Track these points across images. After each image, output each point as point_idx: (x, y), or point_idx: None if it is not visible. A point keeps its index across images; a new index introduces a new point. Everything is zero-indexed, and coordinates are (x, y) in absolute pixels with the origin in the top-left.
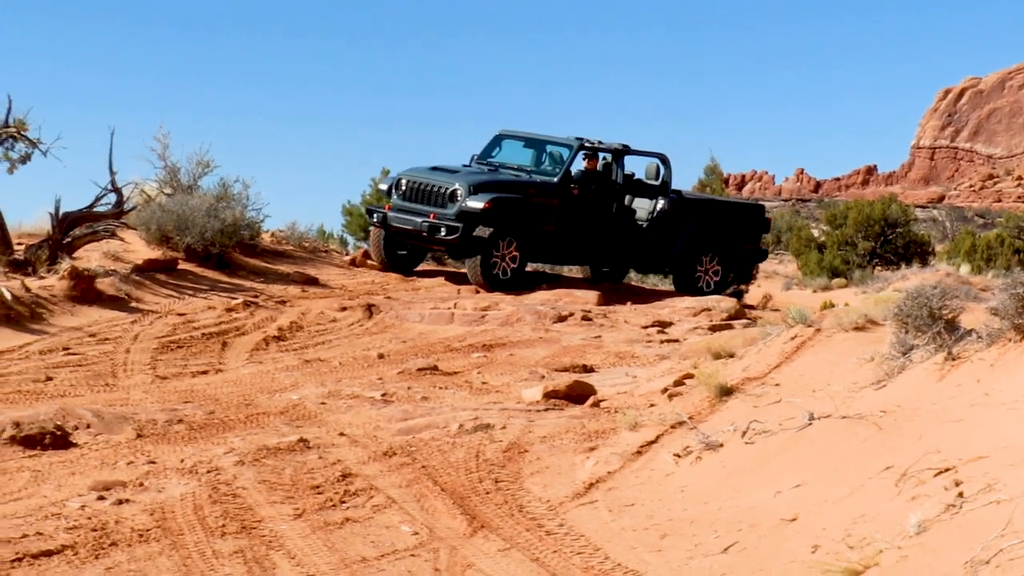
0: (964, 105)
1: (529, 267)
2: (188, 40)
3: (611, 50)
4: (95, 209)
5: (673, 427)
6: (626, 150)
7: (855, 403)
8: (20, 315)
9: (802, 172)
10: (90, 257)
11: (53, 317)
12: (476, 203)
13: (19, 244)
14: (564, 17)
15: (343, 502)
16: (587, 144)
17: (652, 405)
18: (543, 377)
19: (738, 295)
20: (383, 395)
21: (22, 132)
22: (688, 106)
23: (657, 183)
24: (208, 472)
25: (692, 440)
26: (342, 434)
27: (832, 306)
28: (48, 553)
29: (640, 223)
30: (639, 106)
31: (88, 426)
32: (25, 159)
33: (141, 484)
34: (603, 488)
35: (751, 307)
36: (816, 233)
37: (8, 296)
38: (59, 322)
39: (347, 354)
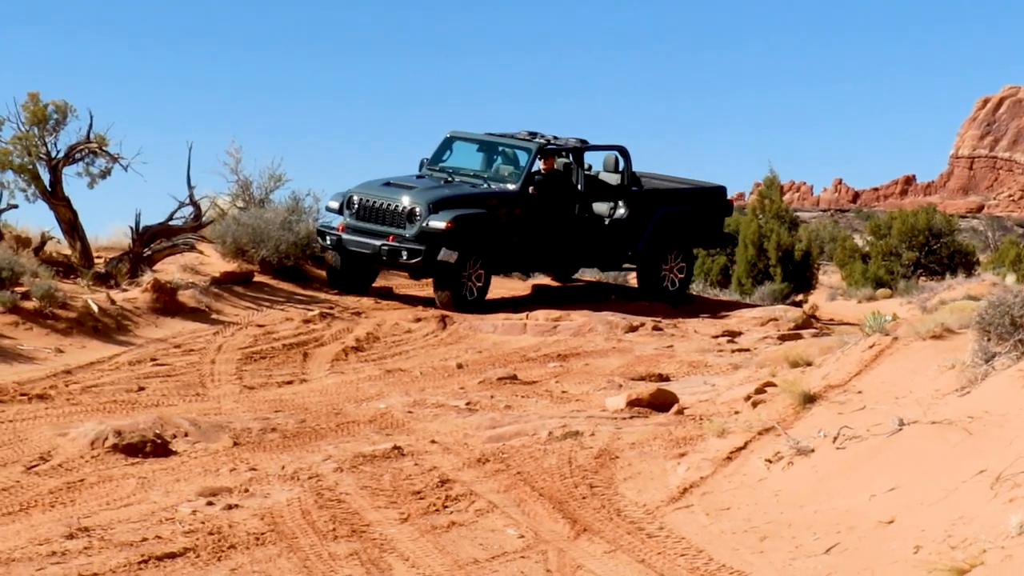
0: (1003, 114)
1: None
2: (260, 59)
3: (650, 61)
4: (172, 223)
5: (760, 433)
6: (585, 146)
7: (941, 409)
8: (107, 327)
9: (840, 182)
10: (168, 270)
11: (138, 329)
12: (438, 223)
13: (98, 257)
14: (603, 27)
15: (446, 507)
16: (546, 144)
17: (736, 412)
18: (620, 386)
19: (797, 305)
20: (467, 404)
21: (103, 147)
22: (728, 117)
23: (616, 176)
24: (309, 478)
25: (782, 446)
26: (433, 442)
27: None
28: (172, 555)
29: (602, 221)
30: (681, 118)
31: (186, 434)
32: (105, 174)
33: (246, 490)
34: (697, 493)
35: (814, 318)
36: (859, 243)
37: (96, 308)
38: (144, 333)
39: (426, 364)
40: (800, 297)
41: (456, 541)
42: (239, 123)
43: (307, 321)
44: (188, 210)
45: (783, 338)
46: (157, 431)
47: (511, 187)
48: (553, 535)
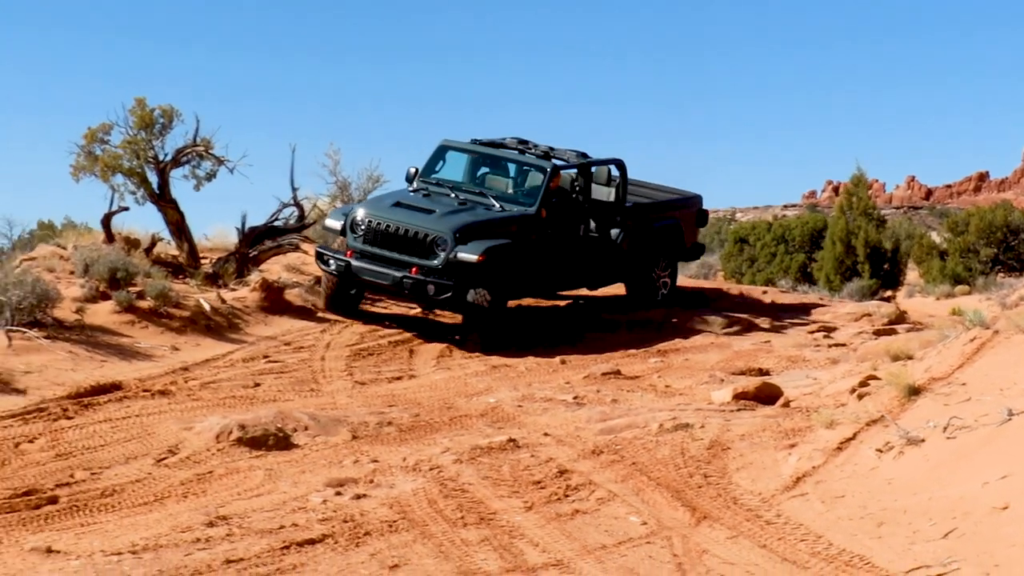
0: None
1: None
2: (357, 65)
3: (718, 62)
4: (275, 223)
5: (868, 424)
6: (590, 161)
7: None
8: (219, 325)
9: (913, 179)
10: (273, 269)
11: (248, 327)
12: (469, 255)
13: (203, 257)
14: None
15: (567, 496)
16: (558, 165)
17: (842, 405)
18: (722, 381)
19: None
20: (574, 398)
21: (209, 151)
22: (800, 116)
23: (609, 190)
24: (431, 469)
25: (892, 436)
26: (546, 434)
27: (961, 312)
28: (311, 541)
29: (601, 238)
30: (751, 119)
31: (306, 428)
32: (210, 176)
33: (371, 481)
34: (811, 481)
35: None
36: (937, 240)
37: (207, 307)
38: (254, 331)
39: (529, 360)
40: (888, 293)
41: (582, 528)
42: (337, 127)
43: (413, 318)
44: (289, 211)
45: (878, 333)
46: (279, 425)
47: (529, 210)
48: (674, 522)
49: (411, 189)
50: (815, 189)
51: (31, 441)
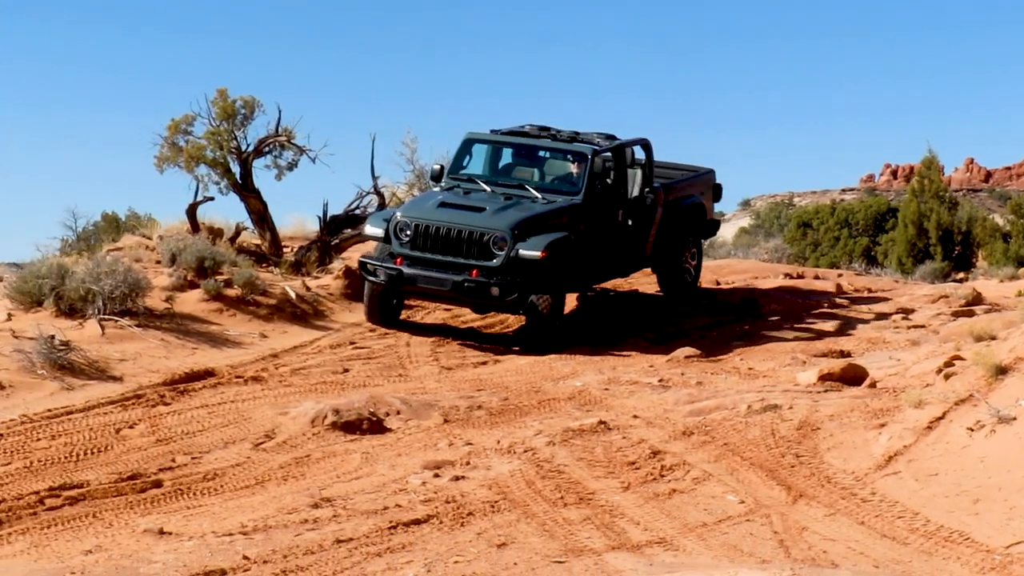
0: None
1: None
2: (433, 57)
3: (771, 48)
4: (355, 212)
5: (957, 404)
6: (624, 143)
7: None
8: (305, 312)
9: (972, 162)
10: (353, 257)
11: (333, 314)
12: (531, 251)
13: (284, 246)
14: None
15: (663, 476)
16: (599, 147)
17: (928, 385)
18: (804, 362)
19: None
20: (660, 380)
21: (290, 140)
22: (857, 100)
23: (635, 172)
24: (525, 451)
25: (982, 415)
26: (635, 416)
27: None
28: (417, 521)
29: (633, 223)
30: (808, 104)
31: (398, 412)
32: (292, 166)
33: (468, 463)
34: (903, 460)
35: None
36: (1000, 223)
37: (293, 295)
38: (339, 318)
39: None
40: (960, 275)
41: (680, 507)
42: (415, 116)
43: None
44: (368, 199)
45: (956, 314)
46: (371, 409)
47: (576, 200)
48: (771, 500)
49: (443, 187)
50: (873, 172)
51: (131, 427)
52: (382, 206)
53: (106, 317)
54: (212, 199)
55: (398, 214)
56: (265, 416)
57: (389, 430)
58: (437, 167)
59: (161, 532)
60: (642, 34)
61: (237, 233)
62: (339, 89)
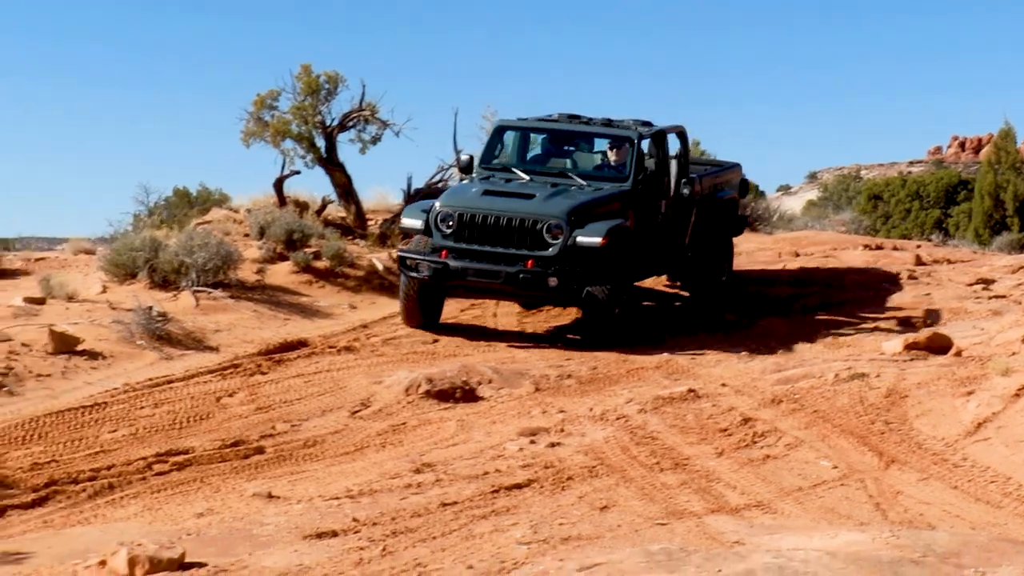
0: None
1: None
2: (512, 30)
3: (836, 23)
4: (437, 184)
5: None
6: (664, 129)
7: None
8: (392, 284)
9: None
10: None
11: None
12: (591, 238)
13: (368, 219)
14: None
15: (755, 442)
16: (643, 131)
17: (1014, 353)
18: (888, 332)
19: None
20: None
21: (374, 115)
22: (923, 72)
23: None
24: (617, 419)
25: None
26: (723, 384)
27: None
28: (518, 486)
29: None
30: (875, 77)
31: (490, 381)
32: (375, 140)
33: (562, 430)
34: (992, 427)
35: None
36: None
37: (380, 267)
38: None
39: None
40: None
41: (775, 472)
42: (494, 90)
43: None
44: (450, 172)
45: None
46: (464, 378)
47: (624, 186)
48: (864, 466)
49: (477, 177)
50: (940, 145)
51: (231, 395)
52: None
53: (199, 289)
54: (299, 172)
55: (438, 204)
56: (360, 385)
57: (482, 398)
58: (466, 157)
59: (269, 496)
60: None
61: (323, 206)
62: (422, 64)
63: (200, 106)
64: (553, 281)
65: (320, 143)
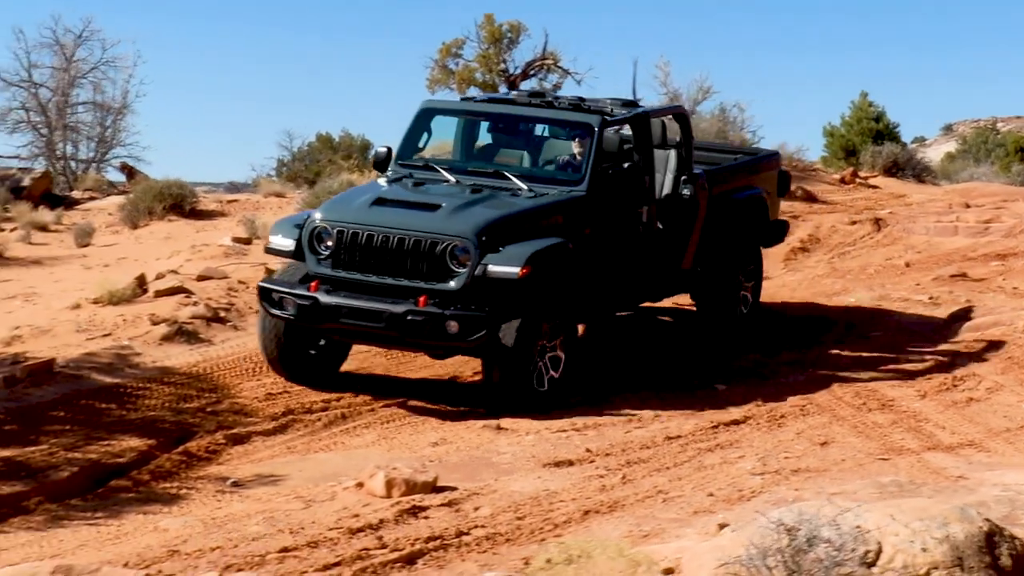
0: None
1: None
2: None
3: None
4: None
5: None
6: (649, 112)
7: None
8: None
9: None
10: None
11: None
12: (505, 267)
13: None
14: None
15: (955, 386)
16: (607, 115)
17: None
18: None
19: None
20: (930, 298)
21: (556, 63)
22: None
23: (668, 153)
24: None
25: None
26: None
27: None
28: (736, 422)
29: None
30: (1010, 24)
31: None
32: (556, 88)
33: None
34: None
35: None
36: None
37: None
38: None
39: (873, 263)
40: None
41: (979, 413)
42: (669, 39)
43: None
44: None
45: None
46: None
47: (577, 191)
48: None
49: (389, 179)
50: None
51: None
52: None
53: None
54: None
55: (316, 216)
56: None
57: None
58: (383, 150)
59: (498, 428)
60: None
61: None
62: (605, 11)
63: (378, 52)
64: (453, 326)
65: (503, 91)
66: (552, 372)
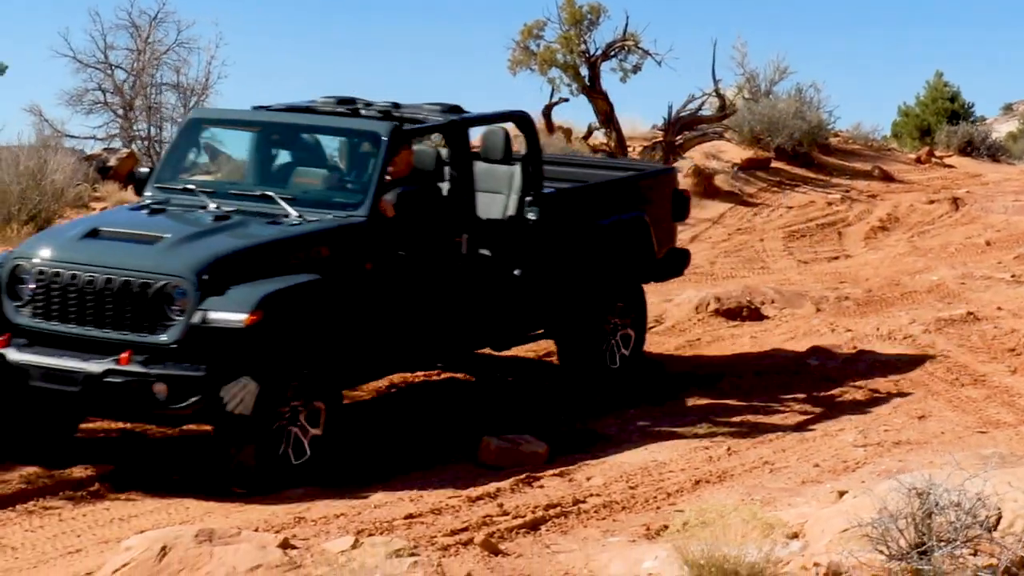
0: None
1: None
2: None
3: None
4: (698, 113)
5: None
6: (465, 118)
7: None
8: None
9: None
10: (694, 156)
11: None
12: (228, 314)
13: (627, 146)
14: None
15: None
16: (402, 122)
17: None
18: None
19: None
20: (1012, 276)
21: (636, 44)
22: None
23: (511, 169)
24: (904, 338)
25: None
26: (999, 308)
27: None
28: (833, 396)
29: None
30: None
31: (772, 301)
32: (636, 69)
33: (854, 347)
34: None
35: None
36: None
37: None
38: (692, 215)
39: (953, 241)
40: None
41: None
42: (747, 20)
43: (830, 203)
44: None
45: None
46: (748, 298)
47: (355, 215)
48: None
49: (133, 205)
50: None
51: None
52: (722, 108)
53: None
54: (567, 100)
55: (15, 252)
56: (650, 302)
57: (767, 317)
58: (144, 169)
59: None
60: None
61: (589, 132)
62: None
63: (462, 35)
64: (161, 389)
65: (584, 72)
66: (304, 442)
